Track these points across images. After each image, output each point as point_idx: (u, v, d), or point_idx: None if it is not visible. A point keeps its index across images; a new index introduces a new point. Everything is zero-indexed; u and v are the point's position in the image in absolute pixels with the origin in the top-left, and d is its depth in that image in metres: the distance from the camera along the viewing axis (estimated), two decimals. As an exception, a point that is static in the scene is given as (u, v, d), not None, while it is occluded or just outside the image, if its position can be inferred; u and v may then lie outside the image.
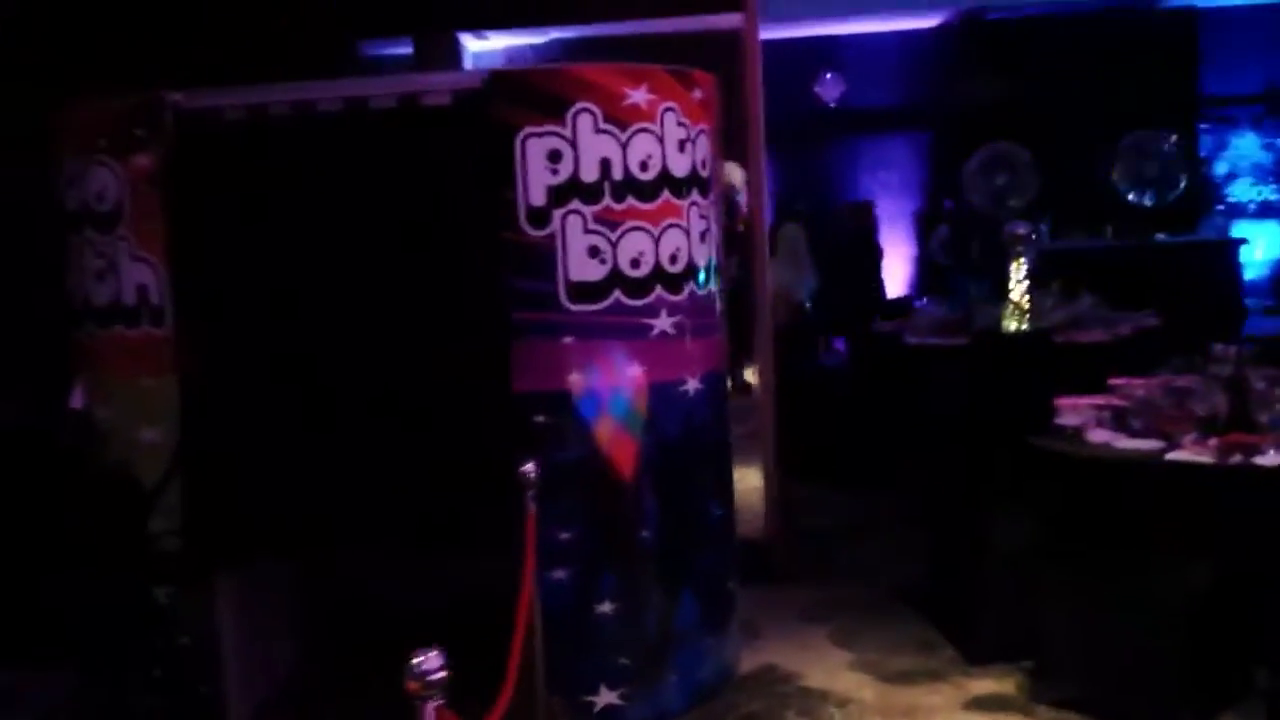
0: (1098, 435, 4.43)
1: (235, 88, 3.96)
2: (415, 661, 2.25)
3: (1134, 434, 4.38)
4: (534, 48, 11.76)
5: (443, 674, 2.25)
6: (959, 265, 10.28)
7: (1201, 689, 3.88)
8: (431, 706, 2.25)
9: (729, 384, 6.27)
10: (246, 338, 4.01)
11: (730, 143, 5.23)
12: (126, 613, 4.11)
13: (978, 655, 4.54)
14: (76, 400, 4.34)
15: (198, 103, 3.92)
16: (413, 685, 2.24)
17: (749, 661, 4.65)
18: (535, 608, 3.75)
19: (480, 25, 8.74)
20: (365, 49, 8.66)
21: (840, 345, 8.87)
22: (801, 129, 13.88)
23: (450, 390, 3.95)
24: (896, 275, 12.66)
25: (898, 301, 10.24)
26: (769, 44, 13.67)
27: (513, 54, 11.70)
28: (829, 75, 13.74)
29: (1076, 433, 4.47)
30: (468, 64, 10.32)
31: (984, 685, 4.34)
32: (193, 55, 5.00)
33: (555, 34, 10.72)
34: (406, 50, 8.79)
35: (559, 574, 3.98)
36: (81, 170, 4.03)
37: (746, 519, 6.03)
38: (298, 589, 4.41)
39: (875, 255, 10.68)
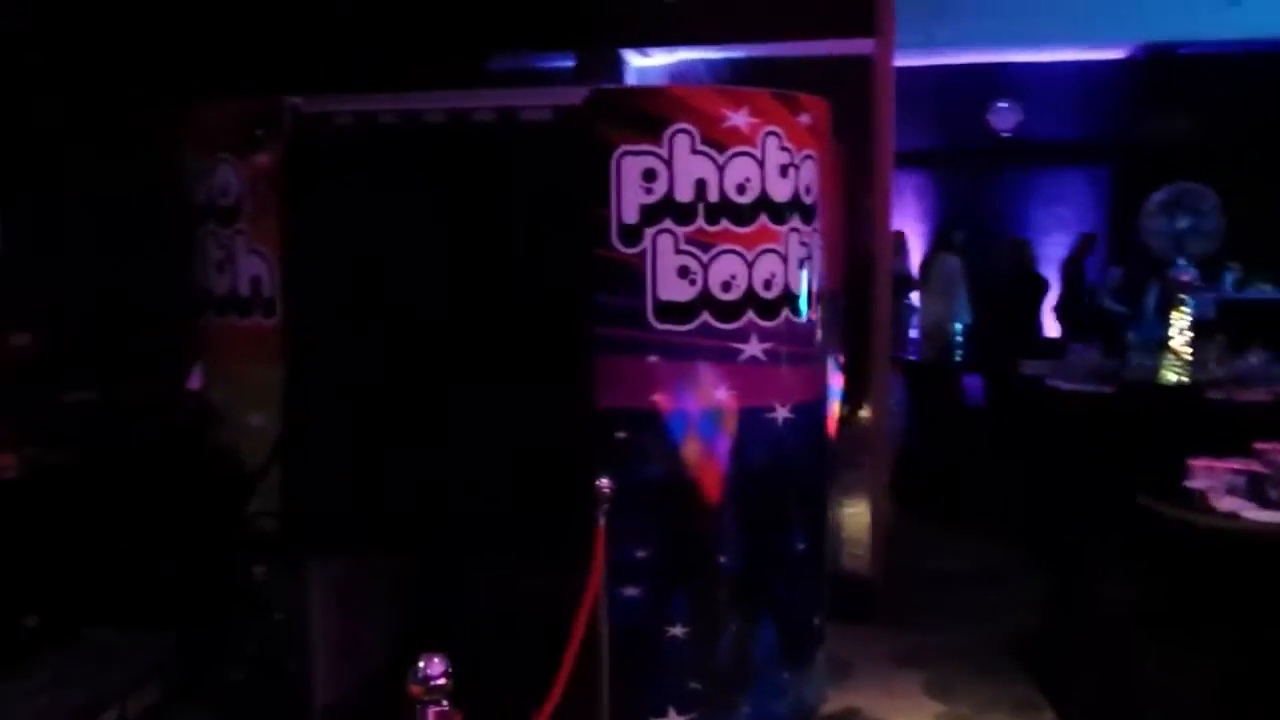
0: (1225, 503, 4.14)
1: (349, 95, 4.09)
2: (419, 666, 2.28)
3: (1268, 504, 4.09)
4: (706, 63, 11.78)
5: (444, 680, 2.28)
6: (1129, 310, 9.78)
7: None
8: (434, 711, 2.27)
9: (850, 412, 6.16)
10: (345, 335, 4.14)
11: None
12: (224, 587, 4.31)
13: (1077, 721, 4.30)
14: (194, 382, 4.58)
15: (313, 108, 4.09)
16: (415, 690, 2.27)
17: (834, 702, 4.52)
18: (601, 623, 3.75)
19: (638, 43, 8.83)
20: (527, 61, 8.85)
21: (976, 383, 8.54)
22: (971, 158, 13.55)
23: (534, 400, 3.98)
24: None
25: (1053, 342, 9.82)
26: (942, 70, 13.35)
27: (680, 70, 11.77)
28: (1003, 104, 13.33)
29: (1202, 497, 4.19)
30: (630, 80, 10.43)
31: (1077, 752, 4.10)
32: (345, 64, 5.22)
33: (723, 53, 10.75)
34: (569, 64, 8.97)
35: (631, 591, 3.96)
36: (207, 167, 4.25)
37: (858, 554, 5.92)
38: (392, 582, 4.52)
39: (1034, 293, 10.26)
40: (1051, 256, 12.87)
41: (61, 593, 4.35)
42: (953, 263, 9.11)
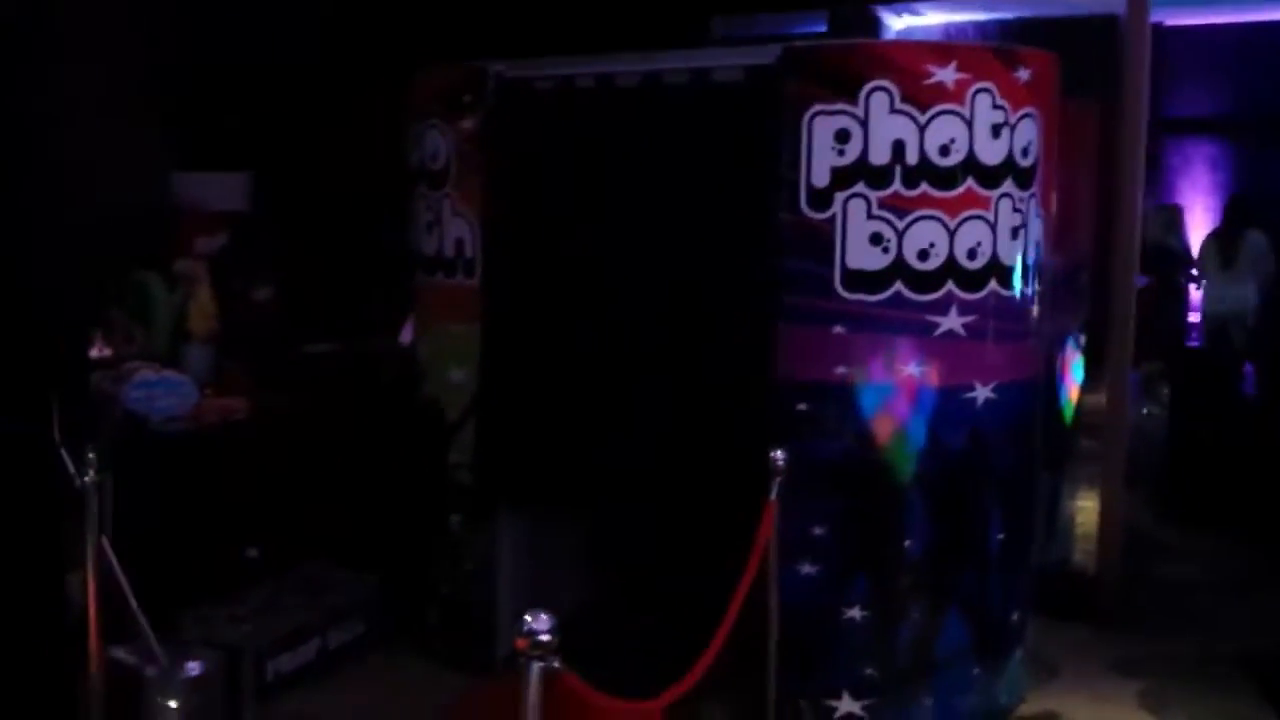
0: None
1: (548, 59, 4.13)
2: (525, 619, 2.28)
3: None
4: (976, 25, 11.19)
5: (550, 637, 2.26)
6: None
7: None
8: (538, 666, 2.26)
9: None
10: (540, 298, 4.22)
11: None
12: (424, 533, 4.51)
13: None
14: (406, 337, 4.80)
15: (514, 73, 4.16)
16: (521, 643, 2.27)
17: (1033, 704, 4.24)
18: (771, 598, 3.66)
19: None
20: (775, 26, 8.69)
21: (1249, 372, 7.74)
22: (1273, 126, 12.25)
23: (716, 366, 3.92)
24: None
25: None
26: (1244, 28, 12.15)
27: (946, 32, 11.22)
28: (1315, 65, 11.93)
29: None
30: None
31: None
32: (551, 30, 5.27)
33: (993, 14, 10.17)
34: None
35: (807, 569, 3.84)
36: (421, 133, 4.42)
37: (1089, 551, 5.50)
38: (575, 540, 4.59)
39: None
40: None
41: (281, 528, 4.68)
42: (1256, 239, 8.30)
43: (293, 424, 4.74)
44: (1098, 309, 5.39)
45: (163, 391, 4.39)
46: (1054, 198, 4.99)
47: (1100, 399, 5.29)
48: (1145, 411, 8.66)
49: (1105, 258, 5.25)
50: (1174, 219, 9.95)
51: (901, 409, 3.79)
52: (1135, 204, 5.07)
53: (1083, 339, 5.47)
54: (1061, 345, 5.29)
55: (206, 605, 4.31)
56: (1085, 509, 5.65)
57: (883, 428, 3.80)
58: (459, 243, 4.35)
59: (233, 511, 4.50)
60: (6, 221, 3.57)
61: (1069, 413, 5.42)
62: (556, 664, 2.27)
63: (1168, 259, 9.12)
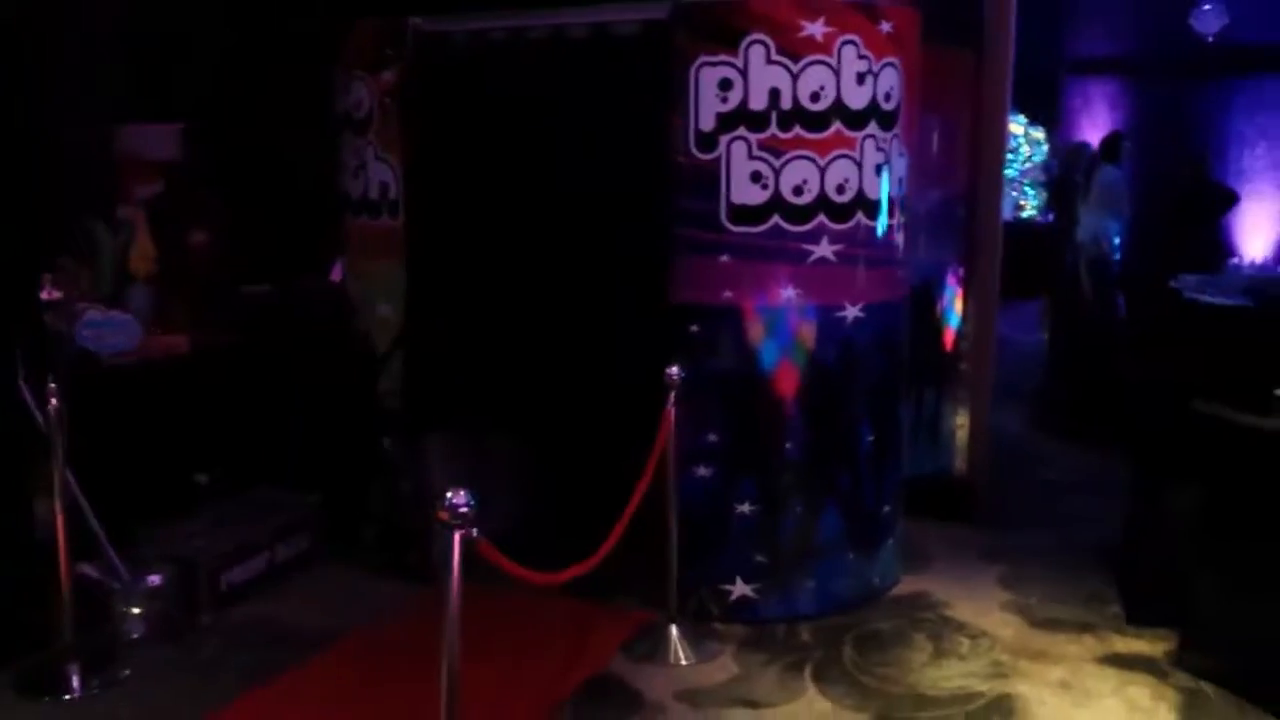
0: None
1: (464, 14, 4.50)
2: (447, 496, 2.71)
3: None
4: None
5: (468, 509, 2.69)
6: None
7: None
8: (459, 534, 2.70)
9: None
10: (459, 236, 4.63)
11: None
12: (359, 455, 4.93)
13: (1140, 617, 4.43)
14: (336, 274, 5.18)
15: (432, 27, 4.53)
16: (442, 515, 2.70)
17: (905, 587, 4.79)
18: (671, 496, 4.13)
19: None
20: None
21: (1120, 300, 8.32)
22: (1170, 65, 12.85)
23: (617, 294, 4.37)
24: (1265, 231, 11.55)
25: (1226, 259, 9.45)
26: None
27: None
28: (1208, 6, 12.56)
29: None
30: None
31: (1132, 645, 4.24)
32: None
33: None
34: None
35: (703, 471, 4.34)
36: (346, 83, 4.78)
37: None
38: (496, 455, 5.02)
39: (1209, 208, 9.84)
40: (1253, 170, 12.26)
41: (227, 456, 5.07)
42: (1112, 175, 8.79)
43: (232, 358, 5.11)
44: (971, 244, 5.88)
45: (111, 330, 4.74)
46: (935, 138, 5.51)
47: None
48: (1044, 338, 9.27)
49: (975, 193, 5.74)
50: (1078, 157, 10.36)
51: (779, 328, 4.28)
52: (1000, 143, 5.56)
53: (960, 271, 5.98)
54: (940, 278, 5.81)
55: (161, 526, 4.70)
56: (963, 424, 6.21)
57: (761, 344, 4.28)
58: (383, 186, 4.73)
59: (181, 440, 4.89)
60: None
61: (947, 341, 5.95)
62: (475, 533, 2.71)
63: (1067, 196, 9.59)
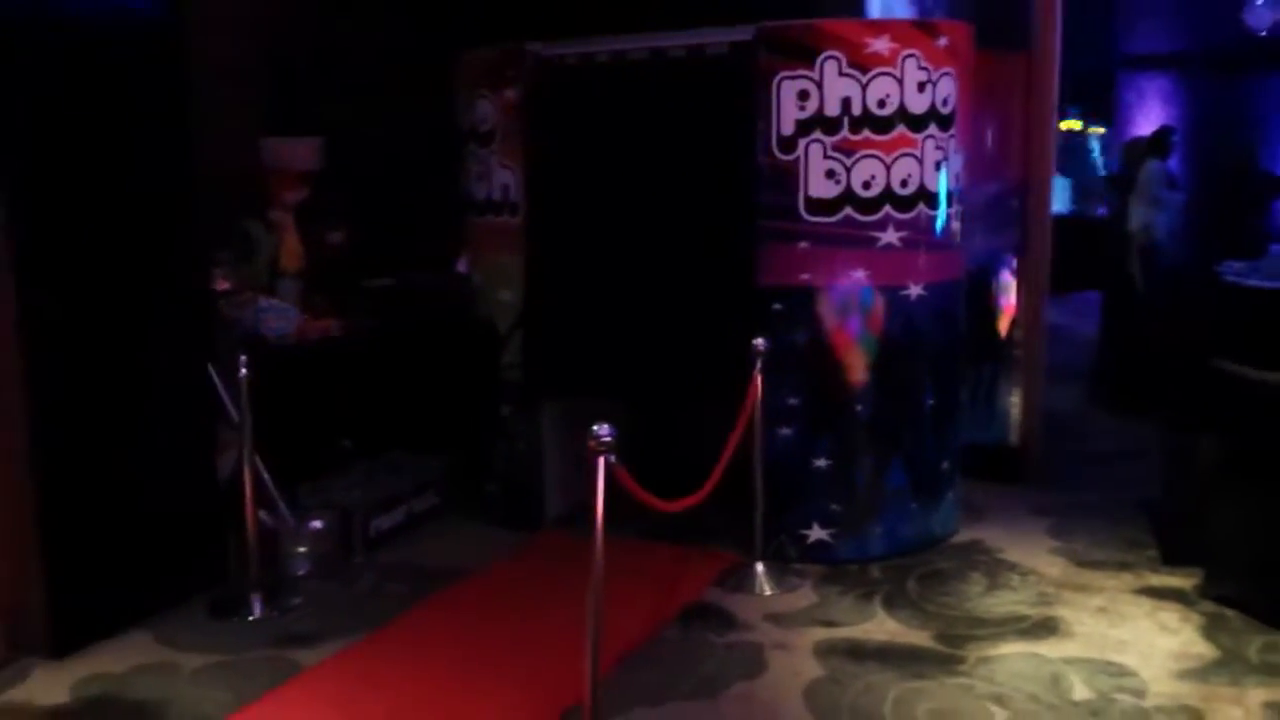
0: (1324, 371, 4.72)
1: (572, 40, 5.22)
2: (594, 428, 3.38)
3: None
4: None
5: (611, 438, 3.37)
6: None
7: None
8: (603, 459, 3.37)
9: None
10: (571, 231, 5.33)
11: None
12: (482, 422, 5.68)
13: (1174, 557, 5.01)
14: (462, 267, 5.94)
15: (547, 51, 5.25)
16: (591, 444, 3.38)
17: (963, 535, 5.42)
18: (758, 453, 4.81)
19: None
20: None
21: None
22: (1222, 60, 13.23)
23: (712, 278, 5.05)
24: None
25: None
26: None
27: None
28: (1260, 1, 12.92)
29: (1295, 366, 4.79)
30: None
31: (1165, 580, 4.83)
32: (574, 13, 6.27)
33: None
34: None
35: (785, 431, 5.01)
36: (470, 101, 5.52)
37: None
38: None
39: (1258, 195, 10.29)
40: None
41: (369, 423, 5.85)
42: (1155, 168, 9.31)
43: (373, 340, 5.89)
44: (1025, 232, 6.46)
45: (274, 315, 5.52)
46: (990, 134, 6.12)
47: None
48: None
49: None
50: (1134, 152, 10.80)
51: (852, 305, 4.95)
52: (1048, 139, 6.16)
53: (1015, 262, 6.56)
54: (997, 266, 6.41)
55: (315, 482, 5.48)
56: (1017, 401, 6.80)
57: (837, 320, 4.95)
58: (505, 189, 5.47)
59: (331, 409, 5.67)
60: (156, 185, 4.61)
61: (1004, 325, 6.56)
62: (614, 458, 3.38)
63: (1122, 189, 10.09)
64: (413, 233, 6.65)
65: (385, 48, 6.79)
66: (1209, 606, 4.53)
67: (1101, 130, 15.76)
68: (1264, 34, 12.96)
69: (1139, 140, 11.48)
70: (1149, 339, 7.91)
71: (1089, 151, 16.28)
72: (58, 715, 3.84)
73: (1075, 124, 15.65)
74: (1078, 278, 9.70)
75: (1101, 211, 13.78)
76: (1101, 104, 14.41)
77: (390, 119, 6.64)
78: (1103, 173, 14.53)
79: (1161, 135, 9.41)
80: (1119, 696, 3.78)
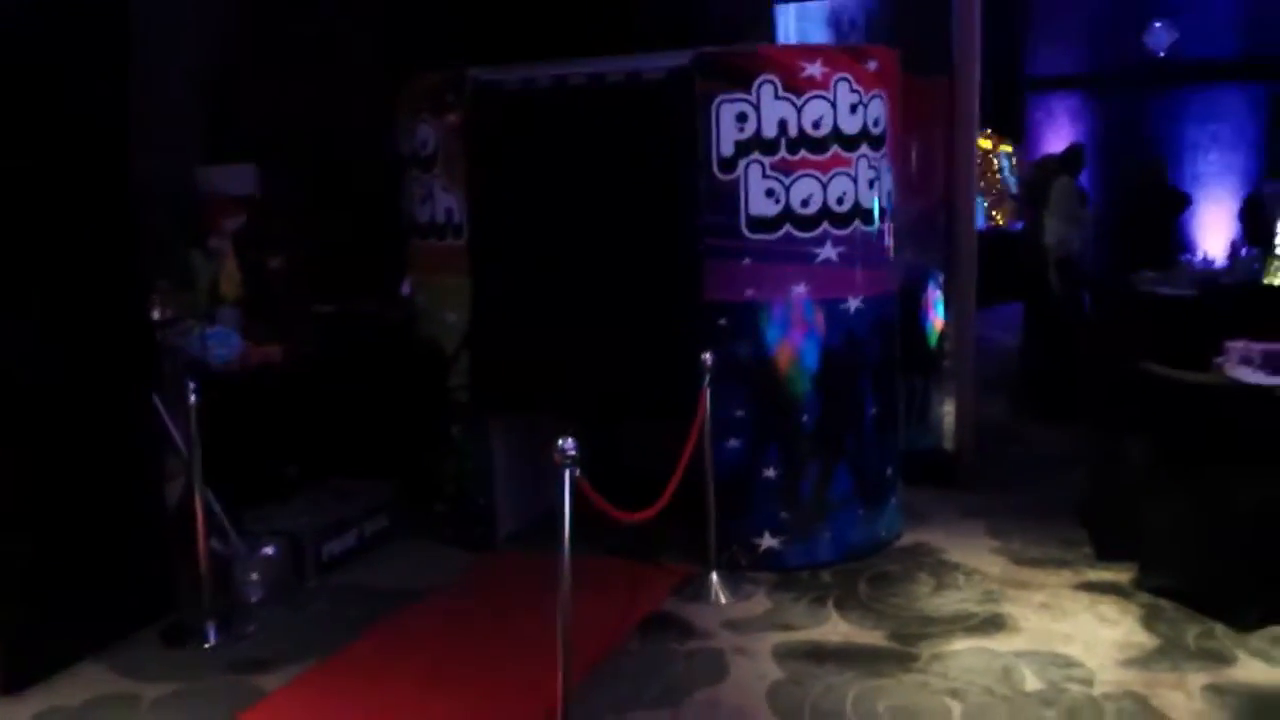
0: (1237, 371, 4.98)
1: (513, 65, 5.31)
2: (559, 443, 3.46)
3: (1275, 373, 4.90)
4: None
5: (575, 452, 3.45)
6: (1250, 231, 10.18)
7: (1272, 589, 4.43)
8: (568, 471, 3.45)
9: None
10: (514, 253, 5.39)
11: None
12: (430, 442, 5.69)
13: (1108, 553, 5.22)
14: (406, 290, 5.97)
15: (487, 76, 5.33)
16: (556, 457, 3.45)
17: (907, 539, 5.58)
18: (707, 464, 4.91)
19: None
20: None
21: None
22: (1125, 80, 13.82)
23: (657, 295, 5.15)
24: (1220, 230, 12.45)
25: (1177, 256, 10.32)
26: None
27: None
28: (1159, 24, 13.53)
29: (1216, 367, 5.05)
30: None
31: (1101, 574, 5.03)
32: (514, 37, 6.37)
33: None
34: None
35: (733, 442, 5.13)
36: (411, 126, 5.57)
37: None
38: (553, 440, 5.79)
39: (1166, 209, 10.74)
40: (1208, 174, 13.25)
41: (313, 449, 5.84)
42: (1067, 184, 9.68)
43: (318, 366, 5.88)
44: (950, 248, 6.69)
45: (216, 343, 5.50)
46: (914, 154, 6.33)
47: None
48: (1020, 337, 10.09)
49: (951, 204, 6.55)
50: (1045, 168, 11.17)
51: (795, 318, 5.09)
52: (970, 158, 6.40)
53: (941, 277, 6.79)
54: (925, 282, 6.63)
55: (261, 509, 5.45)
56: (949, 410, 7.03)
57: (779, 333, 5.09)
58: (448, 212, 5.51)
59: (275, 436, 5.65)
60: (95, 217, 4.58)
61: (934, 338, 6.79)
62: (579, 471, 3.47)
63: (1036, 204, 10.45)
64: (352, 257, 6.66)
65: (323, 72, 6.81)
66: (1145, 598, 4.73)
67: (1009, 149, 16.27)
68: (1162, 54, 13.59)
69: (1050, 157, 11.92)
70: (1069, 347, 8.20)
71: (999, 170, 16.78)
72: (16, 752, 3.78)
73: (985, 143, 16.12)
74: (995, 291, 10.04)
75: (1016, 226, 14.25)
76: (1010, 123, 14.89)
77: (328, 144, 6.65)
78: (1014, 190, 15.00)
79: (1073, 152, 9.79)
80: (1069, 686, 3.94)
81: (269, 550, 5.13)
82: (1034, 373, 8.81)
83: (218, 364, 5.45)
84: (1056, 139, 14.25)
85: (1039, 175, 11.13)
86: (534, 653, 4.26)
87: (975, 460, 6.50)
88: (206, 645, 4.61)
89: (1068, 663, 4.12)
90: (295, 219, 6.33)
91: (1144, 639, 4.32)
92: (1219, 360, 5.14)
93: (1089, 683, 3.96)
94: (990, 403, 7.82)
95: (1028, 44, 14.94)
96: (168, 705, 4.07)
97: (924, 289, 6.62)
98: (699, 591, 4.93)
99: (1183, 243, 12.07)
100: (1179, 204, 11.22)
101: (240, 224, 6.11)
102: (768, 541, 5.18)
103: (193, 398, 4.65)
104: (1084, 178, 10.33)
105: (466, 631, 4.66)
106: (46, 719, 3.99)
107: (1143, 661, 4.12)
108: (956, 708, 3.82)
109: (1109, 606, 4.67)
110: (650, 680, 4.12)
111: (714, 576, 4.96)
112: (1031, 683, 3.97)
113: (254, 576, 5.05)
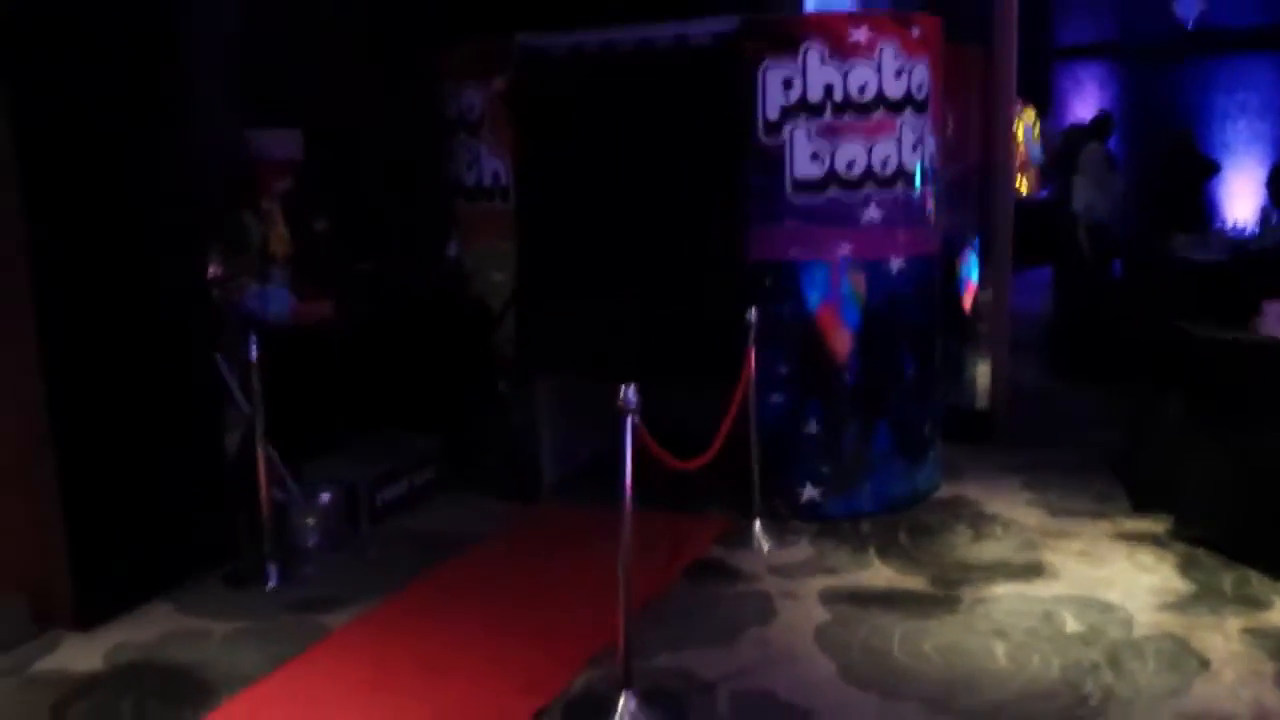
0: (1276, 330, 5.09)
1: (562, 31, 5.41)
2: (621, 391, 3.60)
3: (1311, 332, 5.01)
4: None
5: (637, 400, 3.59)
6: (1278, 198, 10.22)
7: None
8: (630, 418, 3.59)
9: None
10: (560, 216, 5.51)
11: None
12: (478, 396, 5.84)
13: (1145, 505, 5.34)
14: (451, 251, 6.10)
15: (534, 42, 5.44)
16: (620, 406, 3.59)
17: (945, 492, 5.72)
18: (751, 419, 5.04)
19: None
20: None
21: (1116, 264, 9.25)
22: (1153, 48, 13.80)
23: (703, 256, 5.27)
24: (1248, 198, 12.47)
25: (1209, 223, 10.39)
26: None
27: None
28: (1188, -7, 13.48)
29: (1252, 327, 5.16)
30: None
31: (1137, 525, 5.15)
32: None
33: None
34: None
35: (776, 398, 5.26)
36: (458, 90, 5.68)
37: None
38: (597, 395, 5.93)
39: (1197, 177, 10.79)
40: (1236, 142, 13.26)
41: (364, 403, 5.99)
42: (1095, 151, 9.74)
43: (367, 323, 6.02)
44: (986, 216, 6.80)
45: (271, 300, 5.65)
46: (950, 121, 6.42)
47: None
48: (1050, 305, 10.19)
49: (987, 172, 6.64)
50: (1075, 136, 11.24)
51: (838, 278, 5.21)
52: (1008, 126, 6.48)
53: (977, 242, 6.90)
54: (961, 248, 6.73)
55: (315, 459, 5.61)
56: (983, 370, 7.14)
57: (823, 292, 5.21)
58: (495, 175, 5.64)
59: (328, 388, 5.80)
60: (148, 181, 4.72)
61: (967, 300, 6.89)
62: (638, 419, 3.61)
63: (1065, 171, 10.53)
64: (396, 219, 6.79)
65: (369, 37, 6.93)
66: (1182, 547, 4.85)
67: (1032, 117, 16.28)
68: (1190, 27, 13.56)
69: (1079, 125, 11.97)
70: (1100, 310, 8.29)
71: (1022, 140, 16.79)
72: (95, 680, 3.96)
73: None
74: (1024, 255, 10.13)
75: (1042, 194, 14.31)
76: (1038, 92, 14.92)
77: (372, 108, 6.77)
78: (1036, 158, 15.03)
79: (1102, 120, 9.86)
80: (1109, 628, 4.07)
81: (325, 497, 5.29)
82: (1064, 335, 8.90)
83: (272, 320, 5.59)
84: (1084, 107, 14.28)
85: (1066, 142, 11.22)
86: (587, 594, 4.45)
87: (1009, 419, 6.61)
88: (268, 587, 4.78)
89: (1107, 607, 4.26)
90: (339, 183, 6.44)
91: (1181, 585, 4.45)
92: (1257, 320, 5.25)
93: (1129, 625, 4.09)
94: (1021, 365, 7.92)
95: (1055, 12, 14.94)
96: (238, 640, 4.25)
97: (959, 253, 6.72)
98: (743, 540, 5.08)
99: (1212, 210, 12.11)
100: (1208, 171, 11.26)
101: (287, 186, 6.22)
102: (809, 493, 5.32)
103: (254, 351, 4.79)
104: (1113, 145, 10.40)
105: (521, 575, 4.82)
106: (120, 652, 4.17)
107: (1180, 606, 4.25)
108: (1000, 647, 3.96)
109: (1146, 555, 4.80)
110: (701, 620, 4.28)
111: (757, 525, 5.10)
112: (1072, 625, 4.11)
113: (310, 522, 5.22)
